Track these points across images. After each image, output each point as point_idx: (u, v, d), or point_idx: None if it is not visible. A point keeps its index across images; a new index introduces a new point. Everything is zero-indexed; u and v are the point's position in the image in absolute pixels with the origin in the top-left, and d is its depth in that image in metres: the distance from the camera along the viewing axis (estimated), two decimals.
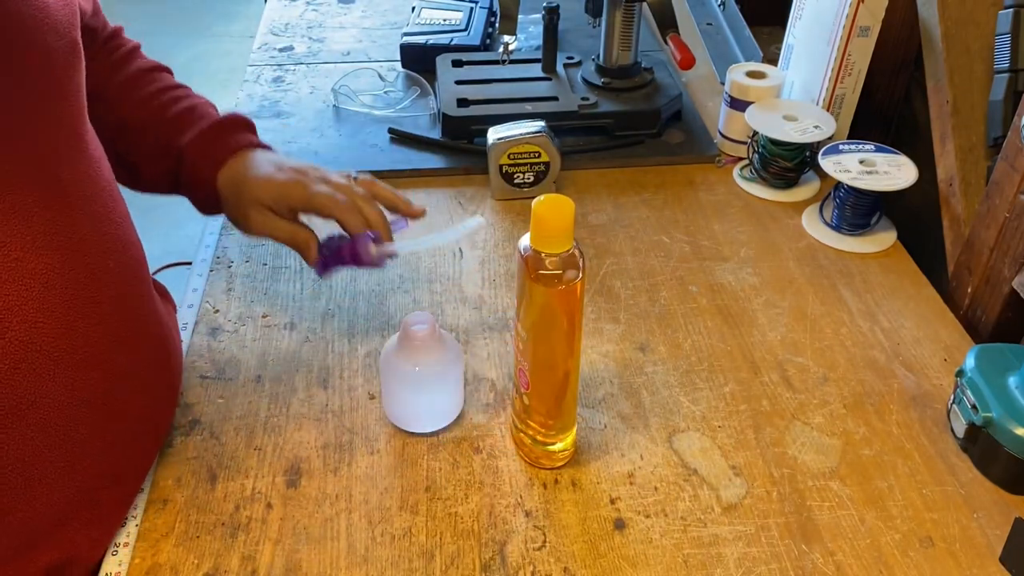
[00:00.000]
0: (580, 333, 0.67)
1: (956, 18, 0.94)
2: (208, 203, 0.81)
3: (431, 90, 1.20)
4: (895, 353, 0.83)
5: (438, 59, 1.20)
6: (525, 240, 0.64)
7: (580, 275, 0.63)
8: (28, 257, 0.57)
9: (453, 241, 0.81)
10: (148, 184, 0.82)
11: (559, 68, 1.17)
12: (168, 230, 2.28)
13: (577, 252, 0.63)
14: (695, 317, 0.87)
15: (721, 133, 1.11)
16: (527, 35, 1.34)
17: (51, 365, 0.58)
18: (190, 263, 0.95)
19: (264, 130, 1.13)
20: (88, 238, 0.62)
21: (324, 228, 0.77)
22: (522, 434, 0.72)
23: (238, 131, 0.81)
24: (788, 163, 1.01)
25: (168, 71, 0.87)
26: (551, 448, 0.72)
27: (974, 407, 0.71)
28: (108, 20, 0.85)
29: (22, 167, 0.57)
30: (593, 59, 1.15)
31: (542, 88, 1.14)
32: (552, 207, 0.61)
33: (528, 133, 0.99)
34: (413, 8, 1.34)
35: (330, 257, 0.77)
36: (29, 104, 0.58)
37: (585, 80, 1.15)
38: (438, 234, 0.80)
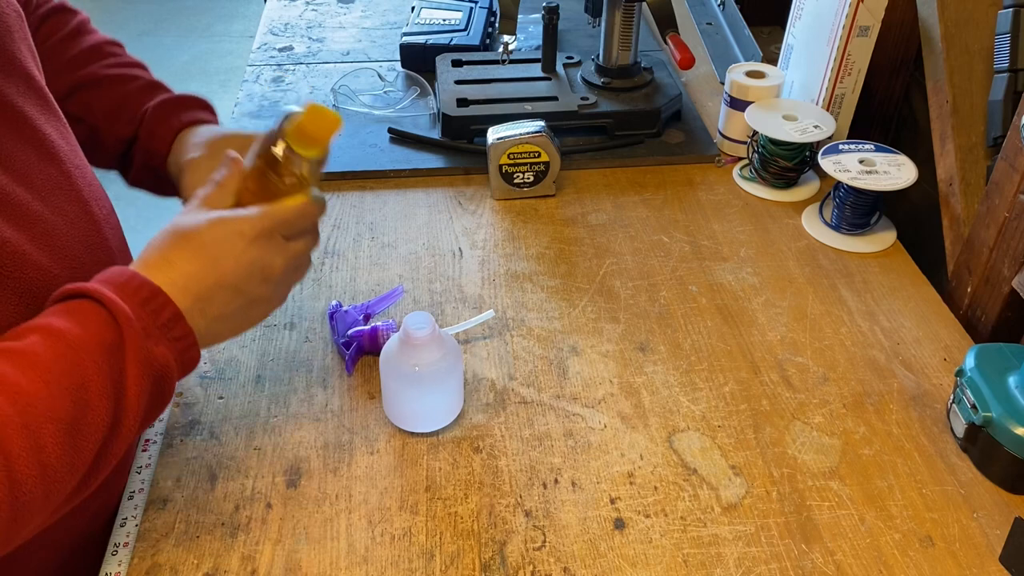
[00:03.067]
0: None
1: (956, 18, 0.94)
2: (156, 180, 0.81)
3: (431, 90, 1.20)
4: (895, 353, 0.83)
5: (438, 59, 1.20)
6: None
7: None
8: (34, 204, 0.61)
9: (465, 328, 0.85)
10: (102, 149, 0.82)
11: (559, 68, 1.17)
12: None
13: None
14: (695, 317, 0.87)
15: (721, 133, 1.11)
16: (527, 35, 1.34)
17: None
18: None
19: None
20: (83, 192, 0.66)
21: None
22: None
23: (198, 108, 0.81)
24: (788, 163, 1.01)
25: (121, 45, 0.87)
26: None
27: (974, 407, 0.71)
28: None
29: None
30: (593, 59, 1.15)
31: (542, 88, 1.14)
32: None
33: (528, 133, 0.99)
34: (413, 8, 1.34)
35: (355, 351, 0.81)
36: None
37: (585, 80, 1.15)
38: (454, 327, 0.83)
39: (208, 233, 0.60)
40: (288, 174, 0.65)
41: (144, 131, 0.79)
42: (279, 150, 0.64)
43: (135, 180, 0.83)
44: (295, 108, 0.65)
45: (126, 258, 0.74)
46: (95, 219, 0.68)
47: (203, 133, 0.78)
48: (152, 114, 0.79)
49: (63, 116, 0.70)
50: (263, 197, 0.65)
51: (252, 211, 0.63)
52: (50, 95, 0.69)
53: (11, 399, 0.50)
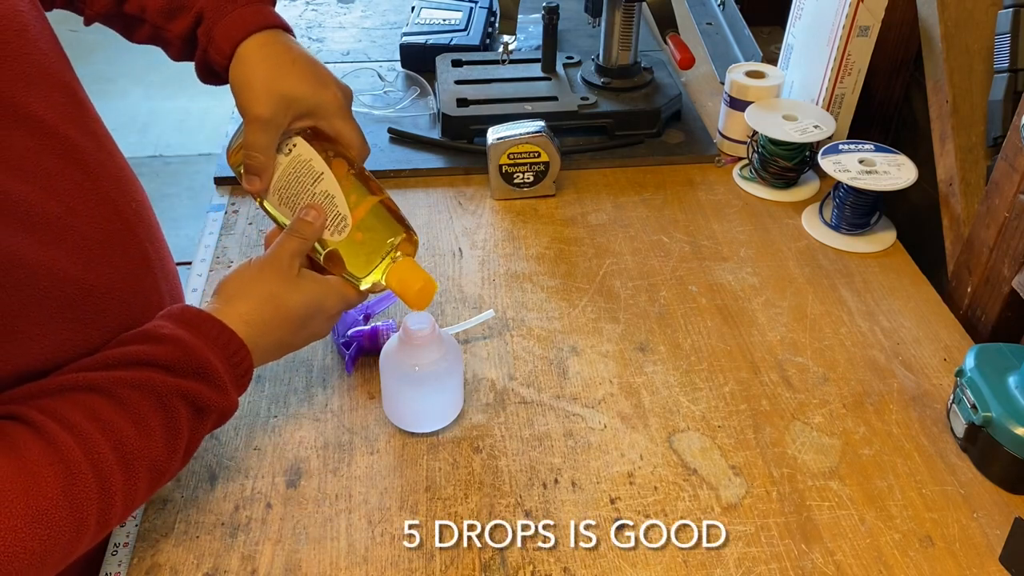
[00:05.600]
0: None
1: (956, 18, 0.94)
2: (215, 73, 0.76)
3: (431, 90, 1.20)
4: (895, 353, 0.83)
5: (438, 59, 1.20)
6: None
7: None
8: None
9: (465, 328, 0.85)
10: (170, 48, 0.78)
11: (559, 68, 1.17)
12: (168, 230, 2.27)
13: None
14: (695, 317, 0.87)
15: (721, 133, 1.11)
16: (527, 35, 1.34)
17: (109, 256, 0.65)
18: (190, 263, 0.95)
19: None
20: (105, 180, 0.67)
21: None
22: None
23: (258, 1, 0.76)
24: (788, 163, 1.01)
25: None
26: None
27: (974, 407, 0.71)
28: None
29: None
30: (593, 59, 1.15)
31: (542, 88, 1.14)
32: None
33: (528, 133, 0.99)
34: (413, 8, 1.34)
35: (355, 351, 0.81)
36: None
37: (585, 80, 1.15)
38: (453, 327, 0.84)
39: (297, 304, 0.68)
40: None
41: (202, 34, 0.74)
42: (381, 278, 0.71)
43: (203, 79, 0.79)
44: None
45: (160, 252, 0.74)
46: (124, 219, 0.68)
47: (265, 79, 0.71)
48: (208, 16, 0.74)
49: (90, 106, 0.69)
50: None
51: (333, 293, 0.71)
52: (75, 84, 0.67)
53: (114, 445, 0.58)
